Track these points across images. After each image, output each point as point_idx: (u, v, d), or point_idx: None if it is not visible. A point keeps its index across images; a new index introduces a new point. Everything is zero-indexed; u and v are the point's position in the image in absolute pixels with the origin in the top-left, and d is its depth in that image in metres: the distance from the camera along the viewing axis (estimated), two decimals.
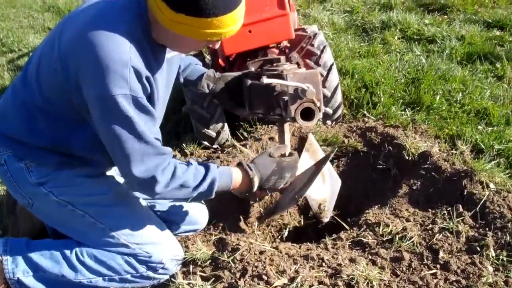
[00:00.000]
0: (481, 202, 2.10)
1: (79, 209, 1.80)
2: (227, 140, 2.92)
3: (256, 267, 1.80)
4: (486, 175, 2.25)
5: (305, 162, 2.30)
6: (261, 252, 1.89)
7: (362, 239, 2.00)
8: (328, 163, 2.28)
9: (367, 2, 5.36)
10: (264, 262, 1.82)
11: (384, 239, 1.99)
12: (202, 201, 2.17)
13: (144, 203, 2.01)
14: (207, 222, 2.17)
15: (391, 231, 2.01)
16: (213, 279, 1.79)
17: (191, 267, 1.90)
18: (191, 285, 1.78)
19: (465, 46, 4.02)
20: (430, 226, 2.04)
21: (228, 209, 2.27)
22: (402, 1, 5.28)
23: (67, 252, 1.84)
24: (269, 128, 2.94)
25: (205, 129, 2.84)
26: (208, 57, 3.33)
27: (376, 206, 2.27)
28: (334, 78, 2.86)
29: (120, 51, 1.49)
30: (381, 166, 2.59)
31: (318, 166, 2.13)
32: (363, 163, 2.66)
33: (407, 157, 2.54)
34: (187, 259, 1.93)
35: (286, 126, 2.16)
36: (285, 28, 2.65)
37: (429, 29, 4.44)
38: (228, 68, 2.91)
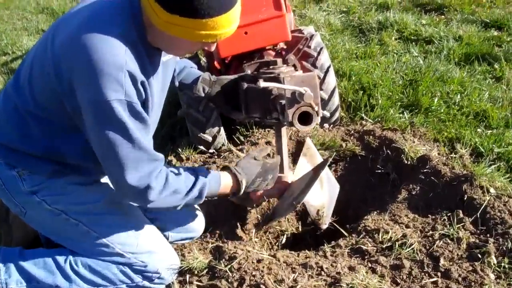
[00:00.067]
0: (482, 208, 2.08)
1: (73, 218, 1.77)
2: (223, 145, 2.88)
3: (254, 276, 1.77)
4: (486, 180, 2.23)
5: (302, 167, 2.27)
6: (259, 261, 1.86)
7: (362, 246, 1.97)
8: (326, 168, 2.24)
9: (363, 2, 5.32)
10: (262, 271, 1.79)
11: (384, 246, 1.96)
12: (198, 208, 2.13)
13: (139, 210, 1.97)
14: (204, 229, 2.13)
15: (390, 238, 1.98)
16: None
17: (187, 276, 1.87)
18: None
19: (463, 46, 3.99)
20: (430, 232, 2.02)
21: (224, 216, 2.23)
22: (399, 1, 5.25)
23: (61, 261, 1.81)
24: (266, 132, 2.90)
25: (201, 133, 2.79)
26: (203, 60, 3.30)
27: (375, 212, 2.24)
28: (331, 80, 2.82)
29: (115, 54, 1.45)
30: (379, 171, 2.55)
31: (316, 172, 2.11)
32: (361, 167, 2.63)
33: (406, 161, 2.50)
34: (183, 268, 1.90)
35: (283, 130, 2.13)
36: (282, 30, 2.61)
37: (426, 29, 4.41)
38: (224, 70, 2.87)
